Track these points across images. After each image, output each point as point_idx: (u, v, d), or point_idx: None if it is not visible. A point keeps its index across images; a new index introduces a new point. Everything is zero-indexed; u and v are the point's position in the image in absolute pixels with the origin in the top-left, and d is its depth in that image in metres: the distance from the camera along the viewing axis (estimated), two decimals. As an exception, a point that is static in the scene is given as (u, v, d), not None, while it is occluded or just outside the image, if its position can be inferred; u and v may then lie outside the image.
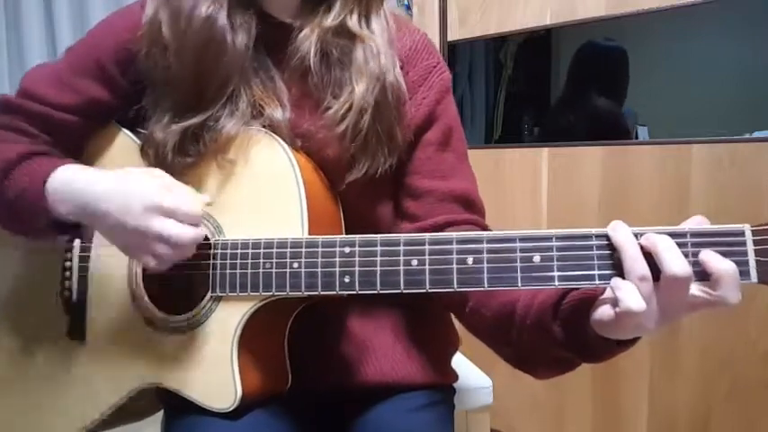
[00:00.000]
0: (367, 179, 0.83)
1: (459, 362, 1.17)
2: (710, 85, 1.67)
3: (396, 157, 0.85)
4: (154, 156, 0.82)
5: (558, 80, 1.96)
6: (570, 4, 1.82)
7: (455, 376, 0.98)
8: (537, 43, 1.97)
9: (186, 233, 0.73)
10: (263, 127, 0.82)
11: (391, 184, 0.89)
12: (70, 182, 0.78)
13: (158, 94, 0.83)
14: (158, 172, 0.78)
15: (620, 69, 1.81)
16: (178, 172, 0.81)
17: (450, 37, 2.09)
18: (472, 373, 1.22)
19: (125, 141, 0.89)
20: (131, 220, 0.73)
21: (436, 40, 2.09)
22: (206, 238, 0.80)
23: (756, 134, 1.57)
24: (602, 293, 0.64)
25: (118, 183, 0.76)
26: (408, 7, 2.13)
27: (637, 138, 1.78)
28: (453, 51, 2.11)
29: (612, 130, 1.84)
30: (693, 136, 1.65)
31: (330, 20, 0.82)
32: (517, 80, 2.08)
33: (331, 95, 0.82)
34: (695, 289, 0.59)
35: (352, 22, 0.83)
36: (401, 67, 0.86)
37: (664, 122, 1.75)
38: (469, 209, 0.88)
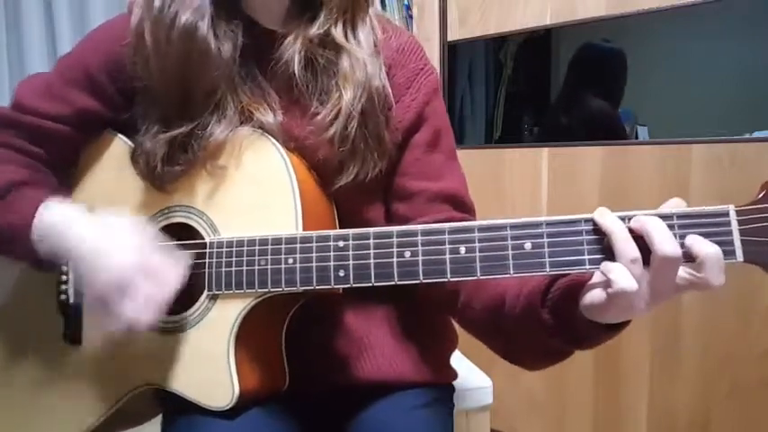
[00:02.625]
0: (357, 184, 0.83)
1: (459, 362, 1.17)
2: (710, 85, 1.67)
3: (385, 161, 0.85)
4: (144, 165, 0.82)
5: (558, 80, 1.96)
6: (570, 4, 1.82)
7: (454, 374, 0.98)
8: (537, 43, 1.97)
9: (142, 319, 0.72)
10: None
11: (382, 189, 0.90)
12: (51, 224, 0.78)
13: (146, 105, 0.83)
14: (144, 235, 0.77)
15: (619, 71, 1.81)
16: (169, 181, 0.82)
17: (450, 37, 2.09)
18: (472, 372, 1.22)
19: (121, 147, 0.89)
20: (97, 287, 0.73)
21: (436, 40, 2.10)
22: (201, 237, 0.80)
23: (756, 134, 1.57)
24: (590, 279, 0.66)
25: (93, 239, 0.76)
26: (408, 7, 2.14)
27: (637, 138, 1.78)
28: (453, 51, 2.11)
29: (609, 130, 1.84)
30: (693, 136, 1.65)
31: (314, 29, 0.82)
32: (517, 80, 2.08)
33: (318, 102, 0.82)
34: (681, 271, 0.61)
35: (337, 32, 0.83)
36: (388, 70, 0.87)
37: (664, 122, 1.75)
38: (459, 208, 0.88)
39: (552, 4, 1.86)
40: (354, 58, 0.82)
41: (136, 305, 0.72)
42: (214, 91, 0.81)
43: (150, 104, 0.83)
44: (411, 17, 2.14)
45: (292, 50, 0.82)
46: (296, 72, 0.82)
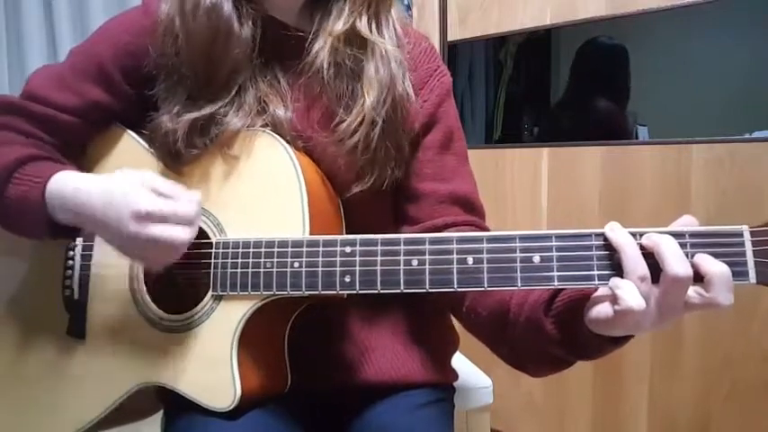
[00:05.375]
0: (371, 193, 0.83)
1: (460, 362, 1.16)
2: (710, 85, 1.67)
3: (402, 168, 0.86)
4: (162, 144, 0.82)
5: (558, 80, 1.96)
6: (570, 4, 1.82)
7: (455, 375, 0.98)
8: (537, 43, 1.97)
9: (178, 236, 0.72)
10: (267, 125, 0.82)
11: (392, 193, 0.90)
12: (64, 189, 0.78)
13: (170, 84, 0.83)
14: (149, 174, 0.76)
15: (622, 67, 1.81)
16: (185, 163, 0.82)
17: (451, 37, 2.09)
18: (472, 373, 1.22)
19: (129, 142, 0.89)
20: (123, 228, 0.72)
21: (436, 40, 2.10)
22: (207, 237, 0.80)
23: (756, 134, 1.57)
24: (596, 291, 0.65)
25: (107, 190, 0.75)
26: (408, 7, 2.13)
27: (637, 138, 1.78)
28: (453, 51, 2.11)
29: (614, 130, 1.84)
30: (693, 136, 1.65)
31: (341, 25, 0.83)
32: (517, 80, 2.08)
33: (344, 108, 0.82)
34: (690, 290, 0.60)
35: (362, 25, 0.83)
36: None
37: (664, 122, 1.75)
38: (469, 211, 0.89)
39: (552, 4, 1.86)
40: (380, 53, 0.83)
41: (164, 227, 0.72)
42: (237, 71, 0.82)
43: (175, 84, 0.83)
44: (411, 17, 2.14)
45: (322, 56, 0.82)
46: (325, 78, 0.82)
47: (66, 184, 0.78)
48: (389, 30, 0.86)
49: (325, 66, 0.82)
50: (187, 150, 0.81)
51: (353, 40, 0.83)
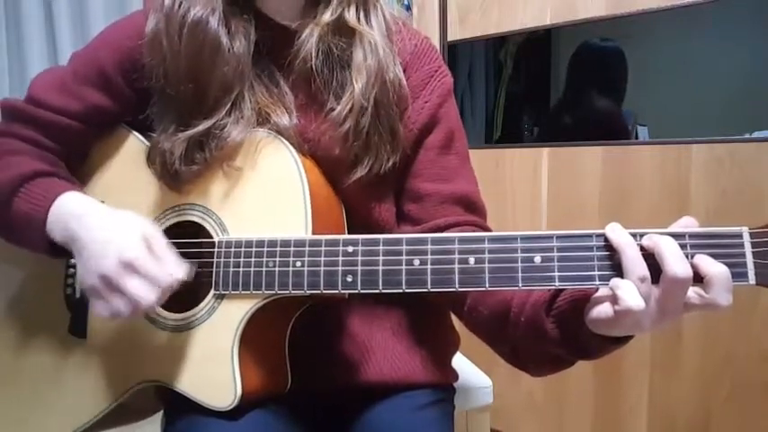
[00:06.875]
0: (370, 179, 0.83)
1: (460, 362, 1.17)
2: (710, 85, 1.67)
3: (399, 154, 0.85)
4: (160, 165, 0.82)
5: (558, 80, 1.96)
6: (570, 4, 1.82)
7: (455, 376, 0.98)
8: (537, 43, 1.97)
9: (145, 297, 0.72)
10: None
11: (394, 188, 0.90)
12: (67, 214, 0.79)
13: (162, 105, 0.83)
14: (153, 229, 0.77)
15: (618, 69, 1.81)
16: (185, 180, 0.82)
17: (451, 37, 2.10)
18: (472, 373, 1.22)
19: (135, 144, 0.89)
20: (102, 267, 0.72)
21: (436, 40, 2.10)
22: (209, 236, 0.80)
23: (756, 134, 1.57)
24: (596, 292, 0.66)
25: (105, 227, 0.76)
26: (408, 7, 2.13)
27: (637, 138, 1.79)
28: (453, 51, 2.11)
29: (612, 129, 1.84)
30: (693, 136, 1.65)
31: (328, 15, 0.83)
32: (517, 80, 2.08)
33: (334, 96, 0.83)
34: (690, 290, 0.60)
35: (350, 15, 0.83)
36: (403, 71, 0.87)
37: (664, 122, 1.75)
38: (471, 211, 0.89)
39: (552, 4, 1.86)
40: (367, 41, 0.83)
41: (139, 283, 0.72)
42: (229, 88, 0.81)
43: (166, 104, 0.83)
44: (411, 17, 2.14)
45: (310, 44, 0.82)
46: (314, 66, 0.82)
47: (71, 211, 0.79)
48: (378, 19, 0.86)
49: (313, 53, 0.82)
50: (187, 168, 0.81)
51: (341, 29, 0.83)
